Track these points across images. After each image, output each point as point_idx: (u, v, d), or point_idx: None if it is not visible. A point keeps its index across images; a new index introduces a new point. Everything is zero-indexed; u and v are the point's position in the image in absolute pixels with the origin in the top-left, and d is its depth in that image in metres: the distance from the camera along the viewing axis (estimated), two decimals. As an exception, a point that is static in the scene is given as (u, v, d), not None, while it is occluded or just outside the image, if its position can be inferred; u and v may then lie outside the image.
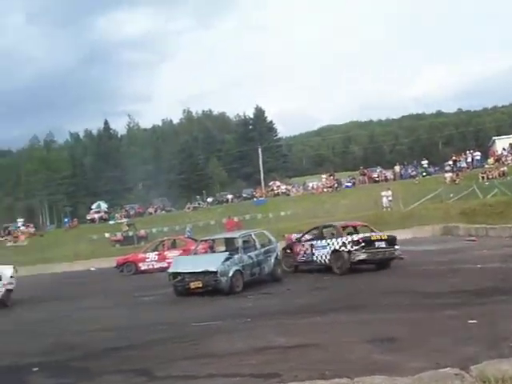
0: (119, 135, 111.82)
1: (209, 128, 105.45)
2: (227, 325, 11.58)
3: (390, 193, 42.57)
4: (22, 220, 60.28)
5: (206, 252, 21.49)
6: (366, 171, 61.82)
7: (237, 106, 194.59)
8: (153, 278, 23.37)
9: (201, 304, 15.44)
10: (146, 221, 53.25)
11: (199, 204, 59.88)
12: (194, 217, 51.54)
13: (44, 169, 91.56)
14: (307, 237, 21.51)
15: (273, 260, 19.00)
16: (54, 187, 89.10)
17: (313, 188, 57.64)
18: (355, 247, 18.63)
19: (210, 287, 16.63)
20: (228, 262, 16.89)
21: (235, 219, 39.87)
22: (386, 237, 19.50)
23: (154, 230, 44.15)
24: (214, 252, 20.12)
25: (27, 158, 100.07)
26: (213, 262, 16.99)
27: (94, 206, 67.37)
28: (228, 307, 14.23)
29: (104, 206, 67.33)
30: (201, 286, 16.67)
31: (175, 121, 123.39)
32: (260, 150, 70.24)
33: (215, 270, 16.43)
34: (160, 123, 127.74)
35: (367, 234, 19.71)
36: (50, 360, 9.81)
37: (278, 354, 8.31)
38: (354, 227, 21.67)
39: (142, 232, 44.45)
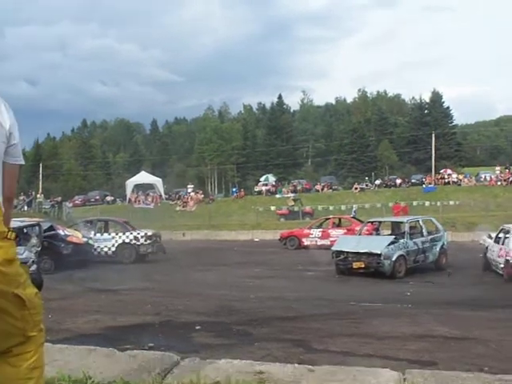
0: (292, 110, 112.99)
1: (382, 109, 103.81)
2: (388, 308, 11.59)
3: None
4: (192, 186, 61.67)
5: (370, 234, 21.52)
6: (544, 166, 58.22)
7: (413, 89, 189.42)
8: (315, 254, 23.42)
9: (361, 285, 15.55)
10: (312, 197, 53.63)
11: (367, 185, 59.37)
12: (360, 198, 51.26)
13: (216, 138, 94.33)
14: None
15: (438, 249, 18.68)
16: (224, 157, 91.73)
17: (485, 180, 55.37)
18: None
19: (372, 269, 16.68)
20: (392, 246, 16.83)
21: (402, 204, 39.32)
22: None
23: (319, 208, 44.34)
24: (379, 234, 20.16)
25: (201, 127, 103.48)
26: (377, 245, 17.01)
27: (262, 179, 68.55)
28: (389, 291, 14.21)
29: (272, 179, 68.27)
30: (363, 266, 16.76)
31: (349, 100, 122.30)
32: (434, 136, 68.36)
33: (379, 252, 16.45)
34: (333, 101, 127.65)
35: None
36: (214, 321, 10.28)
37: (437, 343, 8.23)
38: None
39: (308, 208, 44.81)
